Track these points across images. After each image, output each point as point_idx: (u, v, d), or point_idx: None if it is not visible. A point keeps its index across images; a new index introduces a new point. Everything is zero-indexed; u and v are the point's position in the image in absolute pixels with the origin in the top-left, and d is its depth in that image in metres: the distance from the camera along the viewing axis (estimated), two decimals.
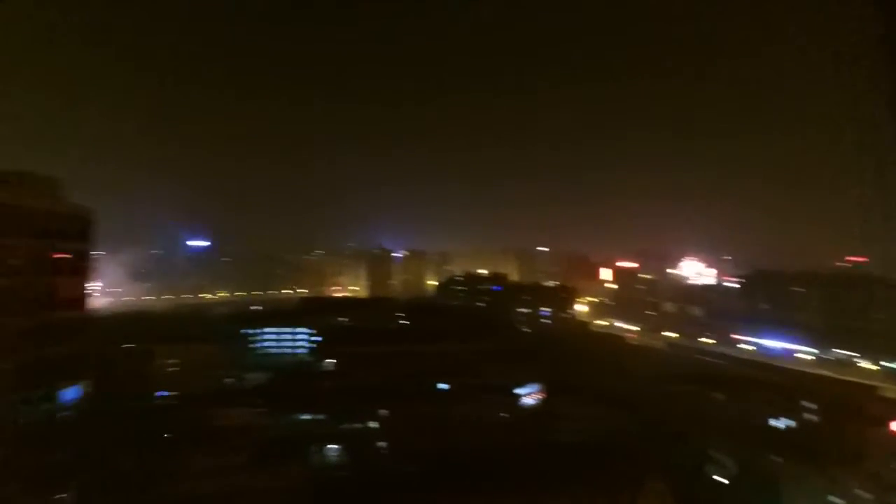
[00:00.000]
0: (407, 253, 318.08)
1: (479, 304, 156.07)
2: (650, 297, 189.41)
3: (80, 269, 36.49)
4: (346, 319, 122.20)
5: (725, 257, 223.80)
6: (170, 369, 79.84)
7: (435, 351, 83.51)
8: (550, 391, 75.11)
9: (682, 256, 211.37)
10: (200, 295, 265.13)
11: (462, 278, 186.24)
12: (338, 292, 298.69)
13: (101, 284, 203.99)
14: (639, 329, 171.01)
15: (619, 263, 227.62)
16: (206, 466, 45.22)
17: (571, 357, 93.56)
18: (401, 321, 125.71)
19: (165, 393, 74.14)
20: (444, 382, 74.23)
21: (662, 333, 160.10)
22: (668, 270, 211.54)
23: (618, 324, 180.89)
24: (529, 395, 74.55)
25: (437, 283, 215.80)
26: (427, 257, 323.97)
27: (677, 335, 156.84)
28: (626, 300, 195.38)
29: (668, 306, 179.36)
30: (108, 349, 69.76)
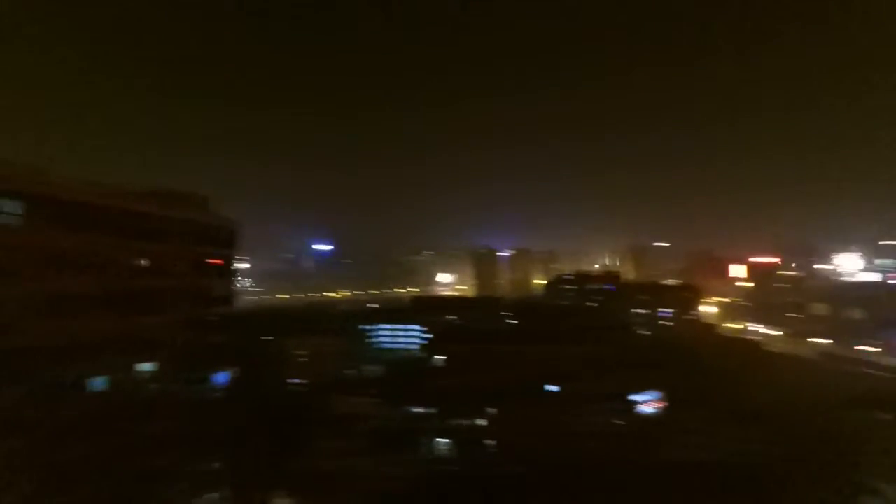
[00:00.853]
0: (513, 251, 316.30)
1: (589, 304, 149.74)
2: (794, 297, 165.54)
3: (228, 272, 42.39)
4: (455, 318, 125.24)
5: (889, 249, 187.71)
6: (299, 359, 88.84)
7: (543, 352, 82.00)
8: (671, 401, 69.42)
9: (835, 249, 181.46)
10: (325, 294, 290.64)
11: (571, 277, 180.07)
12: (446, 291, 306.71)
13: (243, 285, 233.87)
14: (779, 334, 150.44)
15: (754, 259, 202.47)
16: (328, 448, 49.63)
17: (696, 364, 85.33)
18: (508, 321, 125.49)
19: (296, 380, 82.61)
20: (553, 385, 72.57)
21: (809, 340, 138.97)
22: (816, 266, 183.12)
23: (753, 328, 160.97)
24: (647, 404, 69.76)
25: (544, 283, 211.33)
26: (534, 256, 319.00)
27: (829, 342, 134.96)
28: (762, 301, 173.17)
29: (818, 308, 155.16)
30: (250, 341, 79.75)
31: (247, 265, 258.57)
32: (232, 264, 43.36)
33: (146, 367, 31.69)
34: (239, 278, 45.39)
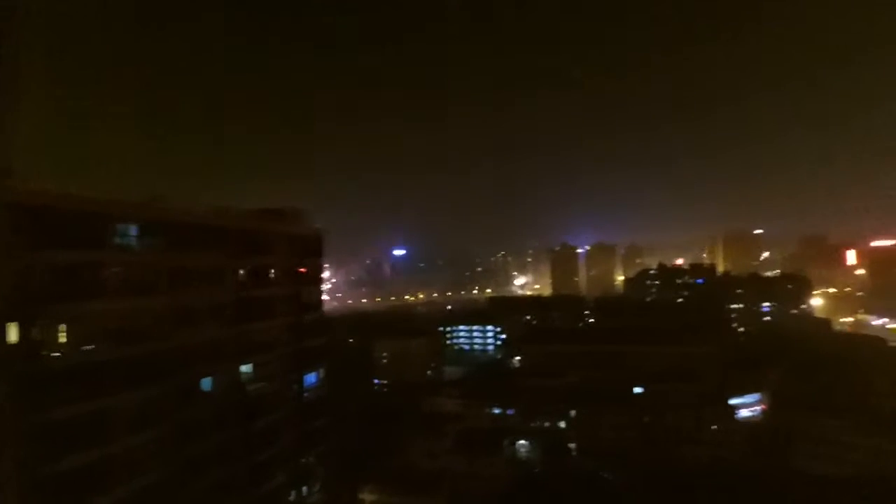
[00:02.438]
0: (592, 247, 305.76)
1: (677, 300, 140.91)
2: None
3: (316, 280, 45.43)
4: (531, 318, 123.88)
5: None
6: (382, 361, 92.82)
7: (626, 352, 78.69)
8: (781, 405, 63.58)
9: None
10: (404, 297, 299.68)
11: (656, 272, 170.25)
12: (522, 292, 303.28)
13: (328, 291, 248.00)
14: None
15: (872, 243, 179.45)
16: (415, 446, 51.57)
17: (807, 364, 77.00)
18: (588, 320, 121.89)
19: (379, 381, 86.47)
20: (638, 387, 69.43)
21: None
22: None
23: (873, 321, 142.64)
24: (747, 409, 64.70)
25: (626, 279, 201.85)
26: (615, 251, 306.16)
27: None
28: (882, 290, 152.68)
29: None
30: (336, 344, 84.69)
31: (330, 272, 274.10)
32: (319, 272, 46.33)
33: (251, 369, 35.21)
34: (325, 285, 48.69)
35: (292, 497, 38.01)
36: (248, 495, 32.76)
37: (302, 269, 42.48)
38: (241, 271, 35.44)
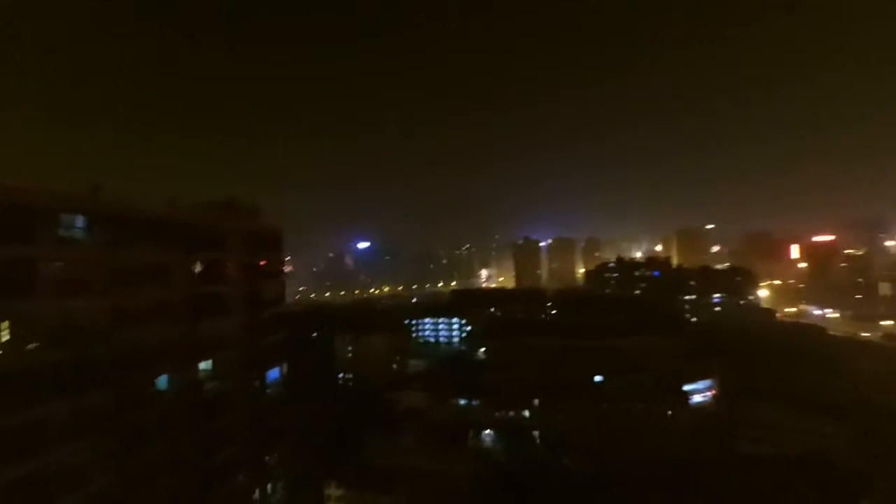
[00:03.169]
0: (554, 241, 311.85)
1: (634, 292, 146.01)
2: (857, 276, 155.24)
3: (276, 274, 44.18)
4: (495, 311, 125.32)
5: None
6: (346, 355, 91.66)
7: (586, 344, 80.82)
8: (729, 392, 66.94)
9: None
10: (368, 290, 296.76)
11: (614, 265, 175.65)
12: (486, 284, 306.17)
13: (289, 285, 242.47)
14: (843, 317, 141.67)
15: (811, 238, 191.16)
16: (381, 443, 51.21)
17: (754, 352, 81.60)
18: (550, 312, 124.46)
19: (343, 375, 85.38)
20: (598, 376, 71.50)
21: (880, 323, 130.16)
22: (887, 243, 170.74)
23: (813, 311, 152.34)
24: (699, 395, 67.74)
25: (586, 271, 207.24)
26: (575, 245, 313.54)
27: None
28: (822, 282, 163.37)
29: (885, 288, 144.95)
30: (299, 339, 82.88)
31: (291, 267, 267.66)
32: (279, 267, 45.16)
33: (208, 367, 33.85)
34: (285, 280, 47.46)
35: (256, 496, 37.00)
36: (209, 498, 31.58)
37: (261, 264, 41.20)
38: (196, 267, 33.88)
